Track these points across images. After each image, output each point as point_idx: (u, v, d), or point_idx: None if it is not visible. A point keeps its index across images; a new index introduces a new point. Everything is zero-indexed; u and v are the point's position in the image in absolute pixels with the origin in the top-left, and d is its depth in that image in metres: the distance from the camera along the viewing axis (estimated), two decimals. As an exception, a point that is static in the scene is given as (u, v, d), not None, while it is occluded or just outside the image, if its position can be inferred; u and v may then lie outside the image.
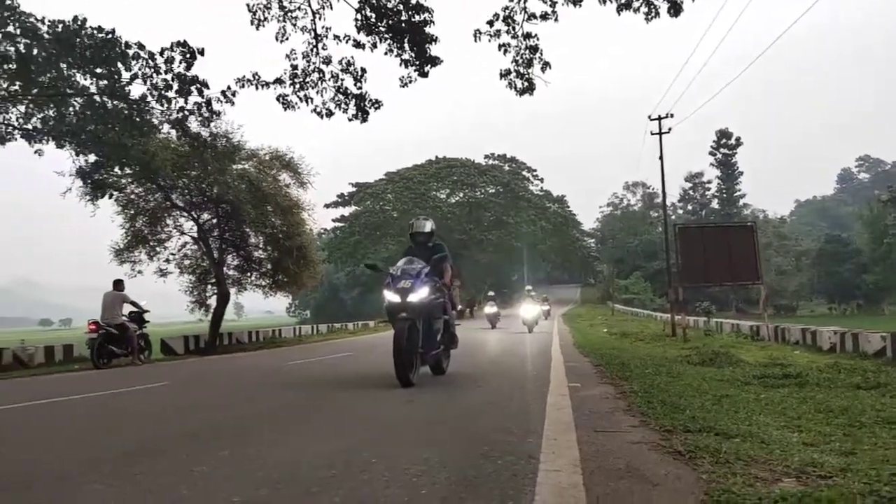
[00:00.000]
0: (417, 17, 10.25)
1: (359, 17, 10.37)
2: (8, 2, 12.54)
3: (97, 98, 13.87)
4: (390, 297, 6.82)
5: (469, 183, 52.29)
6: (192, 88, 13.07)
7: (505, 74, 10.66)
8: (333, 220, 54.58)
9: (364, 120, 11.35)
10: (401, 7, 10.29)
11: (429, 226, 7.94)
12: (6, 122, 13.95)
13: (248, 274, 20.78)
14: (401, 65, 10.60)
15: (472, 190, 53.20)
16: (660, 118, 24.18)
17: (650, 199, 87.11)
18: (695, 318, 25.62)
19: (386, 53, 10.55)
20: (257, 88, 11.12)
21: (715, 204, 77.90)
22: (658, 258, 64.01)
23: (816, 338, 12.79)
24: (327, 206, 53.07)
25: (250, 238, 20.24)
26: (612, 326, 25.59)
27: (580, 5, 9.61)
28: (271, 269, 20.48)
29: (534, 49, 10.39)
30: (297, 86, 11.12)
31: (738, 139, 75.38)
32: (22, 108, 14.03)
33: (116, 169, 16.03)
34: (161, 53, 12.86)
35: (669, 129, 24.23)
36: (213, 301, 19.72)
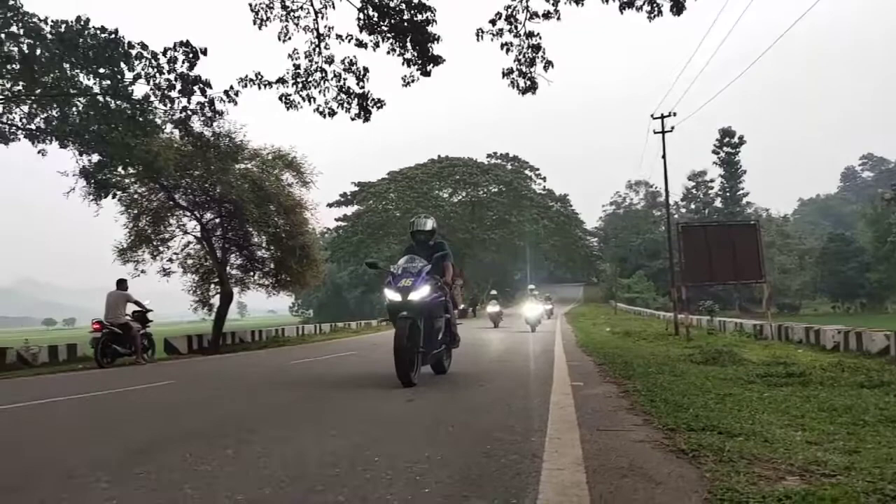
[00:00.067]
0: (420, 17, 10.24)
1: (361, 16, 10.37)
2: (11, 2, 12.57)
3: (100, 98, 13.90)
4: (391, 295, 6.78)
5: (471, 182, 52.21)
6: (195, 88, 13.09)
7: (507, 73, 10.64)
8: (336, 220, 54.52)
9: (366, 119, 11.35)
10: (403, 6, 10.28)
11: (430, 224, 7.90)
12: (10, 122, 13.99)
13: (251, 273, 20.82)
14: (403, 64, 10.59)
15: (474, 189, 53.13)
16: (662, 117, 24.12)
17: (653, 198, 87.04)
18: (698, 316, 25.56)
19: (388, 53, 10.55)
20: (260, 88, 11.13)
21: (718, 203, 77.82)
22: (661, 257, 63.99)
23: (820, 336, 12.76)
24: (330, 205, 52.98)
25: (253, 237, 20.28)
26: (614, 325, 25.55)
27: (582, 4, 9.59)
28: (274, 268, 20.51)
29: (536, 48, 10.37)
30: (300, 85, 11.12)
31: (741, 138, 75.31)
32: (25, 108, 14.07)
33: (120, 169, 16.06)
34: (164, 53, 12.88)
35: (672, 127, 24.15)
36: (216, 300, 19.77)
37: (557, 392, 5.74)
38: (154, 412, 5.62)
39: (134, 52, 13.05)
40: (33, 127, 14.16)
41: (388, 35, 10.43)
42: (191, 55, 12.76)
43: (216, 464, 3.19)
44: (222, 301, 19.38)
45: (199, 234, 19.25)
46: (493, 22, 10.17)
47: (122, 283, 13.05)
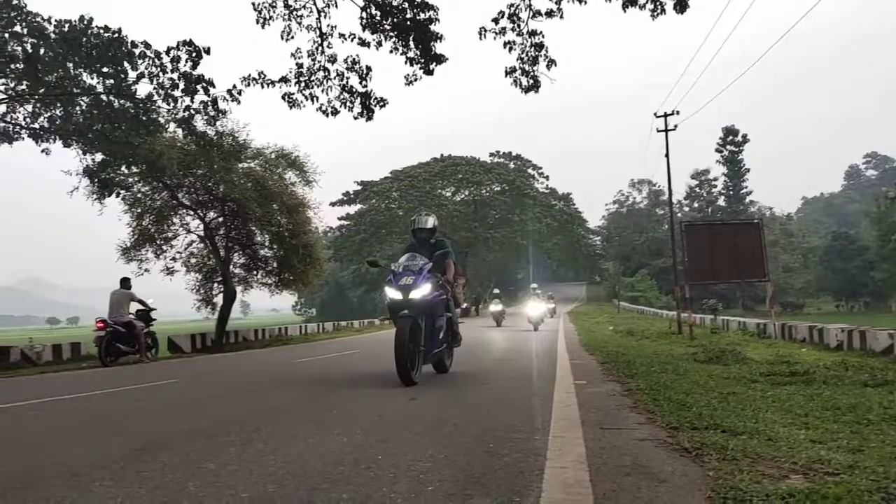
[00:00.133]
0: (422, 15, 10.24)
1: (364, 15, 10.37)
2: (15, 2, 12.61)
3: (104, 97, 13.95)
4: (392, 294, 6.72)
5: (474, 181, 52.22)
6: (199, 87, 13.12)
7: (510, 72, 10.63)
8: (339, 219, 54.63)
9: (369, 118, 11.35)
10: (406, 5, 10.28)
11: (431, 222, 7.81)
12: (13, 121, 14.05)
13: (255, 272, 20.85)
14: (406, 63, 10.59)
15: (477, 188, 53.16)
16: (665, 115, 24.07)
17: (656, 197, 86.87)
18: (701, 315, 25.55)
19: (391, 52, 10.55)
20: (263, 87, 11.15)
21: (721, 201, 77.63)
22: (664, 256, 63.95)
23: (823, 335, 12.73)
24: (333, 204, 53.11)
25: (256, 236, 20.30)
26: (617, 324, 25.55)
27: (585, 2, 9.56)
28: (277, 267, 20.53)
29: (539, 46, 10.36)
30: (303, 84, 11.12)
31: (744, 136, 75.12)
32: (29, 108, 14.13)
33: (123, 168, 16.11)
34: (167, 52, 12.91)
35: (675, 126, 24.11)
36: (219, 299, 19.81)
37: (560, 390, 5.74)
38: (157, 411, 5.64)
39: (137, 51, 13.10)
40: (37, 126, 14.22)
41: (391, 34, 10.43)
42: (194, 54, 12.80)
43: (220, 462, 3.19)
44: (225, 300, 19.42)
45: (202, 233, 19.29)
46: (495, 20, 10.16)
47: (125, 282, 13.09)
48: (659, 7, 9.34)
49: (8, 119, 13.95)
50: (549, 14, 9.92)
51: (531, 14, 10.04)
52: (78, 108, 14.21)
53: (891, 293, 63.24)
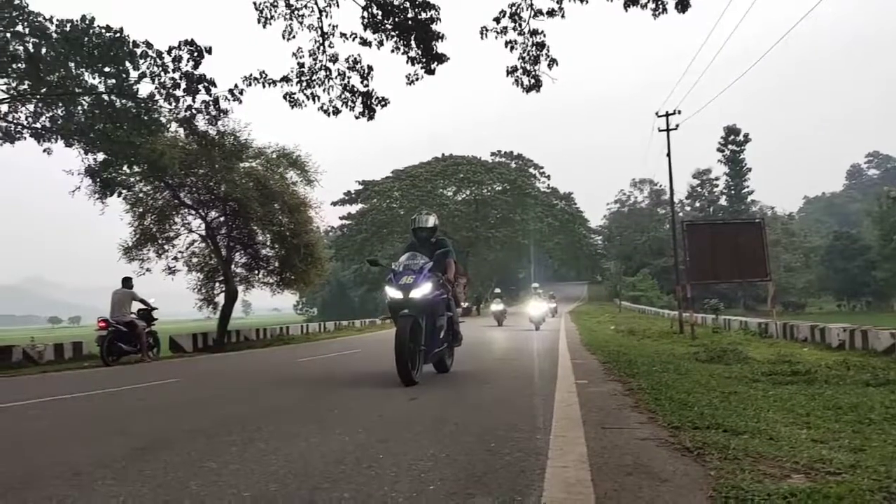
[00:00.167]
0: (424, 15, 10.22)
1: (365, 14, 10.36)
2: (17, 1, 12.62)
3: (105, 97, 13.97)
4: (392, 293, 6.68)
5: (475, 180, 52.24)
6: (200, 87, 13.14)
7: (512, 72, 10.61)
8: (340, 218, 54.66)
9: (371, 118, 11.35)
10: (407, 4, 10.27)
11: (431, 221, 7.77)
12: (15, 120, 14.07)
13: (256, 272, 20.87)
14: (407, 62, 10.58)
15: (478, 187, 53.17)
16: (667, 114, 24.05)
17: (657, 196, 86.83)
18: (703, 315, 25.54)
19: (392, 51, 10.54)
20: (264, 87, 11.14)
21: (723, 201, 77.52)
22: (665, 255, 63.93)
23: (825, 335, 12.72)
24: (334, 203, 53.16)
25: (258, 236, 20.33)
26: (619, 324, 25.54)
27: (587, 2, 9.55)
28: (279, 266, 20.54)
29: (540, 46, 10.34)
30: (304, 84, 11.11)
31: (746, 135, 74.99)
32: (31, 107, 14.15)
33: (125, 167, 16.13)
34: (169, 52, 12.93)
35: (677, 125, 24.10)
36: (220, 299, 19.85)
37: (562, 390, 5.74)
38: (159, 410, 5.64)
39: (139, 51, 13.11)
40: (39, 126, 14.24)
41: (393, 33, 10.42)
42: (195, 54, 12.81)
43: (222, 461, 3.20)
44: (227, 299, 19.45)
45: (203, 233, 19.31)
46: (497, 20, 10.14)
47: (127, 282, 13.11)
48: (660, 6, 9.32)
49: (10, 119, 13.98)
50: (551, 13, 9.90)
51: (533, 13, 10.03)
52: (80, 107, 14.23)
53: (893, 293, 63.09)
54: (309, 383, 7.29)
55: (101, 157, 15.07)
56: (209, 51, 12.88)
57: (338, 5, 10.57)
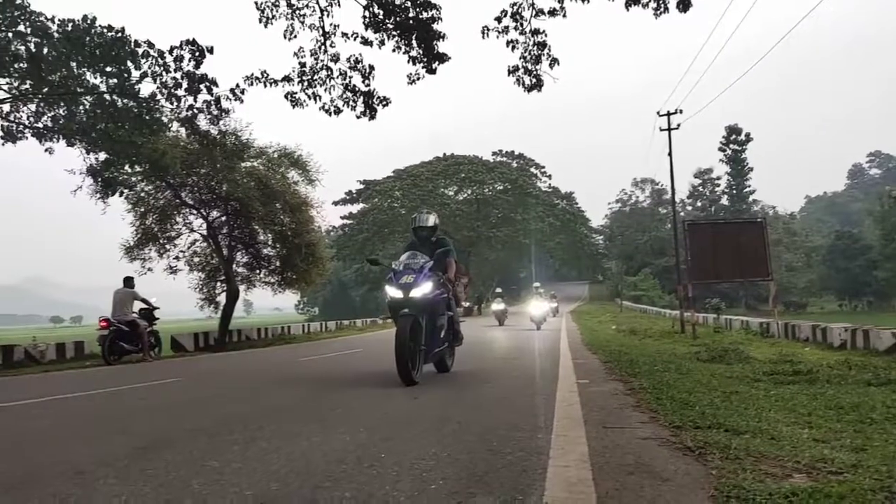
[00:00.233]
0: (425, 14, 10.22)
1: (366, 14, 10.36)
2: (18, 1, 12.63)
3: (107, 96, 13.96)
4: (392, 292, 6.64)
5: (477, 180, 52.24)
6: (202, 86, 13.14)
7: (513, 71, 10.60)
8: (342, 218, 54.68)
9: (372, 117, 11.35)
10: (408, 4, 10.27)
11: (432, 219, 7.71)
12: (17, 120, 14.07)
13: (257, 271, 20.88)
14: (409, 62, 10.58)
15: (479, 187, 53.16)
16: (669, 114, 24.04)
17: (659, 196, 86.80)
18: (704, 314, 25.52)
19: (394, 51, 10.53)
20: (266, 86, 11.14)
21: (724, 200, 77.47)
22: (667, 255, 63.94)
23: (827, 334, 12.71)
24: (336, 203, 53.22)
25: (259, 235, 20.35)
26: (620, 323, 25.53)
27: (588, 1, 9.55)
28: (280, 266, 20.55)
29: (542, 45, 10.33)
30: (306, 83, 11.12)
31: (747, 135, 74.90)
32: (33, 107, 14.15)
33: (126, 167, 16.12)
34: (170, 52, 12.93)
35: (678, 125, 24.09)
36: (222, 298, 19.86)
37: (563, 389, 5.74)
38: (161, 409, 5.65)
39: (140, 50, 13.11)
40: (41, 125, 14.24)
41: (394, 33, 10.42)
42: (197, 53, 12.82)
43: (224, 460, 3.20)
44: (228, 299, 19.45)
45: (205, 232, 19.32)
46: (498, 19, 10.13)
47: (128, 281, 13.12)
48: (662, 6, 9.31)
49: (12, 118, 13.98)
50: (552, 13, 9.89)
51: (534, 13, 10.02)
52: (81, 107, 14.23)
53: (894, 292, 62.93)
54: (310, 382, 7.30)
55: (102, 156, 15.06)
56: (211, 50, 12.89)
57: (339, 5, 10.59)
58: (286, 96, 11.17)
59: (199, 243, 19.88)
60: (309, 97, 11.17)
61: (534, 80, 10.62)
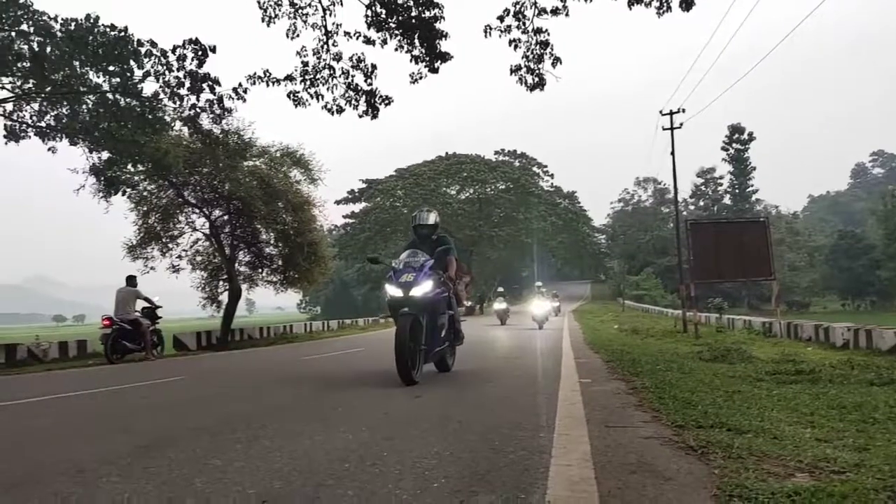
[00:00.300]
0: (427, 13, 10.21)
1: (369, 13, 10.35)
2: (21, 0, 12.65)
3: (110, 96, 13.99)
4: (392, 291, 6.59)
5: (479, 179, 52.20)
6: (204, 86, 13.16)
7: (515, 70, 10.59)
8: (344, 217, 54.70)
9: (374, 116, 11.35)
10: (411, 3, 10.26)
11: (432, 218, 7.65)
12: (20, 119, 14.10)
13: (260, 270, 20.92)
14: (411, 61, 10.56)
15: (481, 186, 53.13)
16: (671, 113, 24.02)
17: (661, 195, 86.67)
18: (706, 314, 25.50)
19: (396, 50, 10.53)
20: (268, 85, 11.17)
21: (727, 199, 77.37)
22: (669, 254, 63.73)
23: (829, 334, 12.69)
24: (338, 202, 53.27)
25: (261, 234, 20.38)
26: (622, 323, 25.51)
27: (591, 0, 9.54)
28: (282, 265, 20.59)
29: (544, 44, 10.31)
30: (308, 82, 11.11)
31: (750, 134, 74.76)
32: (36, 106, 14.18)
33: (129, 166, 16.16)
34: (173, 51, 12.95)
35: (681, 124, 24.06)
36: (224, 297, 19.90)
37: (565, 389, 5.74)
38: (163, 408, 5.66)
39: (143, 49, 13.13)
40: (43, 124, 14.27)
41: (396, 32, 10.41)
42: (200, 53, 12.83)
43: (226, 459, 3.21)
44: (231, 298, 19.48)
45: (207, 231, 19.36)
46: (500, 18, 10.12)
47: (131, 280, 13.14)
48: (665, 4, 9.29)
49: (15, 117, 14.00)
50: (555, 12, 9.88)
51: (537, 12, 10.00)
52: (84, 106, 14.25)
53: (897, 292, 62.90)
54: (312, 382, 7.30)
55: (105, 155, 15.10)
56: (213, 50, 12.90)
57: (342, 4, 10.57)
58: (289, 95, 11.18)
59: (201, 242, 19.95)
60: (311, 96, 11.17)
61: (536, 80, 10.60)
